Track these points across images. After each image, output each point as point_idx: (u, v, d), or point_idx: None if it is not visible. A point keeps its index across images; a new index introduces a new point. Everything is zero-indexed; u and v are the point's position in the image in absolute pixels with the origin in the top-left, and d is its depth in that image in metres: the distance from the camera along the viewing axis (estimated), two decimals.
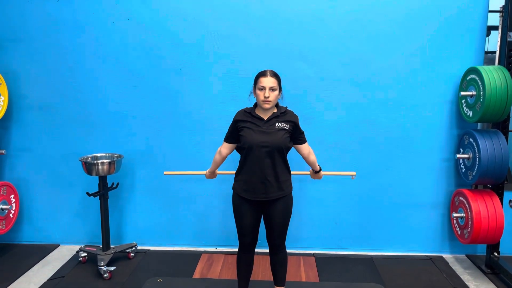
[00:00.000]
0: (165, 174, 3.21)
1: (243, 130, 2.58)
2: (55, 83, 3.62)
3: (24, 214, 3.82)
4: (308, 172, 2.98)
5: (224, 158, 2.79)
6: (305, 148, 2.72)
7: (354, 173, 3.25)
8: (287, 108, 2.67)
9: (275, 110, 2.62)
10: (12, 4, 3.53)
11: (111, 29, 3.52)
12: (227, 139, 2.72)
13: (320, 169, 2.87)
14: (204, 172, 2.98)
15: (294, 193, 2.71)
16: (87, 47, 3.56)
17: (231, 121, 2.66)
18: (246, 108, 2.67)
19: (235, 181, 2.69)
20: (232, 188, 2.70)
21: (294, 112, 2.67)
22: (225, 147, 2.74)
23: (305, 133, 2.69)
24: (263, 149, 2.52)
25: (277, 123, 2.56)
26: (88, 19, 3.51)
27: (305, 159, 2.76)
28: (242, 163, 2.64)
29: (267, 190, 2.57)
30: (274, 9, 3.43)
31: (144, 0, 3.47)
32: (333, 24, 3.43)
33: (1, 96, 3.46)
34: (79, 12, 3.51)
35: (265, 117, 2.58)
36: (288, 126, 2.58)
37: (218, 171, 2.96)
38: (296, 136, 2.65)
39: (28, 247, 3.77)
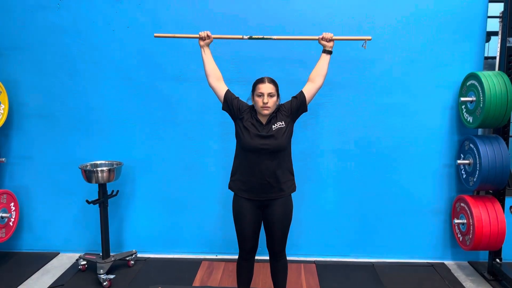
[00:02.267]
0: (155, 37, 2.89)
1: (243, 128, 2.58)
2: (55, 91, 3.63)
3: (24, 222, 3.81)
4: (318, 36, 2.79)
5: (214, 66, 2.73)
6: (307, 88, 2.69)
7: (370, 37, 2.86)
8: (280, 104, 2.69)
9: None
10: (13, 13, 3.55)
11: (111, 37, 3.53)
12: (228, 92, 2.68)
13: (329, 51, 2.75)
14: (196, 35, 2.77)
15: (294, 199, 2.70)
16: (87, 55, 3.57)
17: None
18: (252, 107, 2.68)
19: (231, 180, 2.69)
20: (229, 189, 2.69)
21: (282, 102, 2.70)
22: (220, 84, 2.71)
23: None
24: (263, 151, 2.53)
25: (273, 125, 2.57)
26: (88, 27, 3.53)
27: (316, 71, 2.71)
28: (239, 163, 2.63)
29: (267, 191, 2.58)
30: (273, 15, 3.44)
31: (144, 8, 3.49)
32: (332, 30, 3.41)
33: (1, 104, 3.47)
34: (79, 20, 3.53)
35: (264, 120, 2.60)
36: (283, 122, 2.60)
37: (213, 35, 2.77)
38: (298, 107, 2.65)
39: (28, 255, 3.76)
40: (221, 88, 2.70)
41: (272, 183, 2.56)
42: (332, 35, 2.76)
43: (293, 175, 2.69)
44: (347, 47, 3.44)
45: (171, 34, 2.91)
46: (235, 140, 2.67)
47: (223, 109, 2.71)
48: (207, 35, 2.75)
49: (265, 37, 2.51)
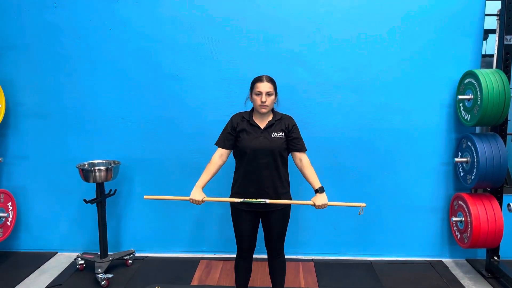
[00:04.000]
0: (145, 199, 2.75)
1: (240, 138, 2.57)
2: (52, 90, 3.61)
3: (21, 221, 3.80)
4: (310, 202, 2.55)
5: (220, 166, 2.64)
6: (297, 155, 2.61)
7: (364, 204, 2.58)
8: (284, 114, 2.66)
9: (271, 118, 2.61)
10: (9, 12, 3.53)
11: (108, 35, 3.52)
12: (224, 145, 2.63)
13: (322, 189, 2.55)
14: (187, 198, 2.60)
15: (293, 197, 2.71)
16: (84, 54, 3.55)
17: None
18: (243, 113, 2.65)
19: (231, 194, 2.68)
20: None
21: (292, 117, 2.66)
22: (224, 153, 2.64)
23: (302, 136, 2.65)
24: (261, 160, 2.51)
25: (273, 133, 2.55)
26: (85, 26, 3.51)
27: (299, 169, 2.62)
28: (238, 175, 2.62)
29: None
30: (271, 14, 3.43)
31: (141, 7, 3.47)
32: (330, 28, 3.43)
33: None
34: (76, 19, 3.51)
35: (262, 125, 2.57)
36: (283, 134, 2.58)
37: (206, 198, 2.59)
38: (289, 140, 2.59)
39: (25, 255, 3.75)
40: (230, 151, 2.65)
41: (271, 193, 2.55)
42: (325, 205, 2.51)
43: (289, 187, 2.68)
44: (345, 47, 3.44)
45: (161, 196, 2.82)
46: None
47: (232, 149, 2.66)
48: (198, 201, 2.57)
49: (260, 201, 2.51)
